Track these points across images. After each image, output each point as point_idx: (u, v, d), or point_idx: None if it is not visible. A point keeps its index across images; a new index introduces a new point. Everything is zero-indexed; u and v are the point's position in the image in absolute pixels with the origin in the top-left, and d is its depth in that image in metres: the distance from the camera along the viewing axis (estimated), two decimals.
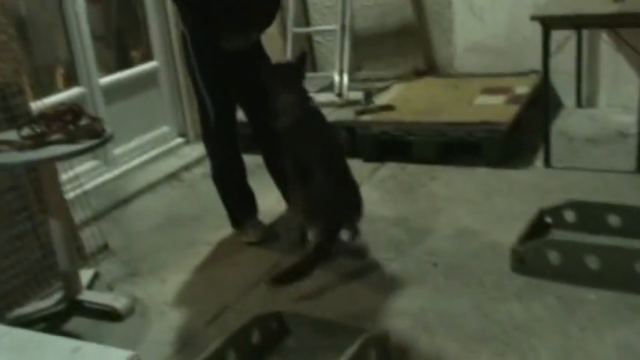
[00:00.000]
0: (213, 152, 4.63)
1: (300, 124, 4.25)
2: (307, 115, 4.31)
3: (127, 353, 1.96)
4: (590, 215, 4.15)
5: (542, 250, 3.78)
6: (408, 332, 3.45)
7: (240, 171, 4.65)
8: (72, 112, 3.68)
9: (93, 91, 5.64)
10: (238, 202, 4.72)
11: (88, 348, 2.08)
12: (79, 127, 3.62)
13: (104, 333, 3.75)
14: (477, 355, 3.24)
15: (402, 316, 3.58)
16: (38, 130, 3.59)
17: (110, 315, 3.83)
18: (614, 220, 4.09)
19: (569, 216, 4.20)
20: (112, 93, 5.87)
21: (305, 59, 4.54)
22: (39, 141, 3.50)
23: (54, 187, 3.79)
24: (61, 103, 3.88)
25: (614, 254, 3.64)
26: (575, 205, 4.20)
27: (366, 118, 5.91)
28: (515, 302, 3.58)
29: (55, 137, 3.53)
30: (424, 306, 3.64)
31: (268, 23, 4.57)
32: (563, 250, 3.74)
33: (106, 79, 5.87)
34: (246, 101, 4.55)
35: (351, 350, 2.94)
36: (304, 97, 4.34)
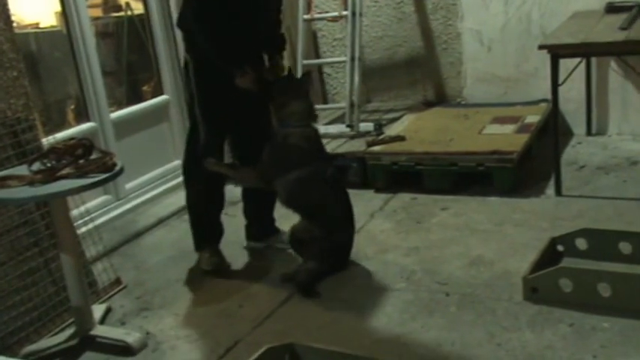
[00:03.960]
0: (194, 181, 4.66)
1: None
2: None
3: None
4: (602, 243, 4.13)
5: (555, 278, 3.77)
6: None
7: (220, 203, 4.75)
8: (82, 146, 3.69)
9: (104, 125, 5.66)
10: (207, 230, 4.79)
11: None
12: (90, 162, 3.63)
13: None
14: None
15: (416, 346, 3.57)
16: (49, 164, 3.60)
17: (123, 350, 3.82)
18: (625, 247, 4.07)
19: (581, 244, 4.18)
20: (123, 127, 5.90)
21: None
22: (49, 175, 3.50)
23: (65, 221, 3.79)
24: (72, 138, 3.89)
25: (626, 281, 3.63)
26: (587, 233, 4.18)
27: (376, 149, 5.91)
28: (527, 331, 3.57)
29: (65, 172, 3.53)
30: (437, 336, 3.63)
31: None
32: (575, 278, 3.73)
33: (117, 114, 5.92)
34: (239, 131, 4.63)
35: None
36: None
